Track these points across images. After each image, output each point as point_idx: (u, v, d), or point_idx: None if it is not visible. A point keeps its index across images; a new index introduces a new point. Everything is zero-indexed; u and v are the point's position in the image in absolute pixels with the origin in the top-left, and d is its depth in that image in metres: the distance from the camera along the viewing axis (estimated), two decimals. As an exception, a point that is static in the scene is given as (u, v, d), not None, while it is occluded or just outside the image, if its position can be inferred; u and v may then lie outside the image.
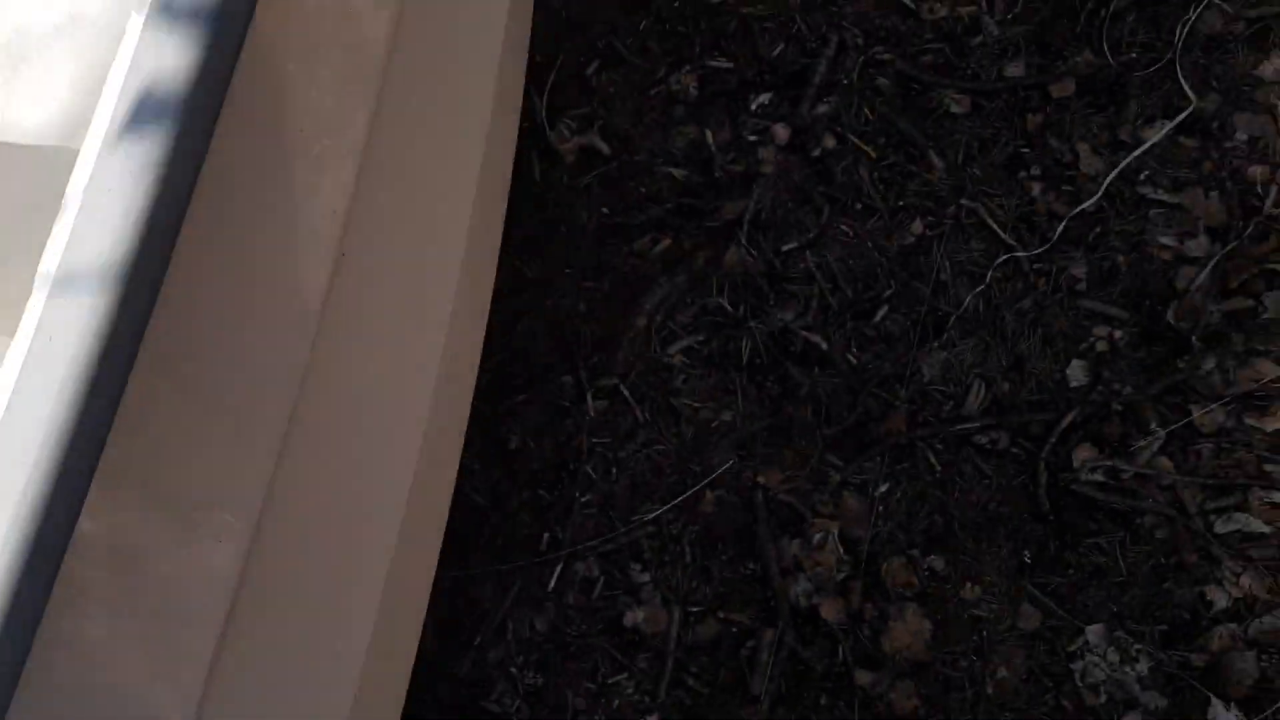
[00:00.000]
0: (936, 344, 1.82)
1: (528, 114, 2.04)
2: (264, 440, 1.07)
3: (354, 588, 1.24)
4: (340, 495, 1.23)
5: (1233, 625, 1.65)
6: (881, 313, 1.84)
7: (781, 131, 1.95)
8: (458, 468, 1.60)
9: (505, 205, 1.72)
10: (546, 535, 1.79)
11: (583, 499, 1.80)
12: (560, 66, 2.07)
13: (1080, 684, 1.65)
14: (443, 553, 1.79)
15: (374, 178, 1.20)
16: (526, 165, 2.02)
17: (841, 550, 1.73)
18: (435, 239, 1.40)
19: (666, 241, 1.93)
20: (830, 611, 1.70)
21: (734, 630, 1.72)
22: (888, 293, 1.85)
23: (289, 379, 1.09)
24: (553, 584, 1.76)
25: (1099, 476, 1.73)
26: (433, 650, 1.75)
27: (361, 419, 1.26)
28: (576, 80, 2.06)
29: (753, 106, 1.99)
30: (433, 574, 1.53)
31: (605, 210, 1.97)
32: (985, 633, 1.68)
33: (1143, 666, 1.65)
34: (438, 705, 1.73)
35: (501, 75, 1.55)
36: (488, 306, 1.68)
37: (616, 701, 1.71)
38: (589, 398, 1.85)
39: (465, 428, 1.60)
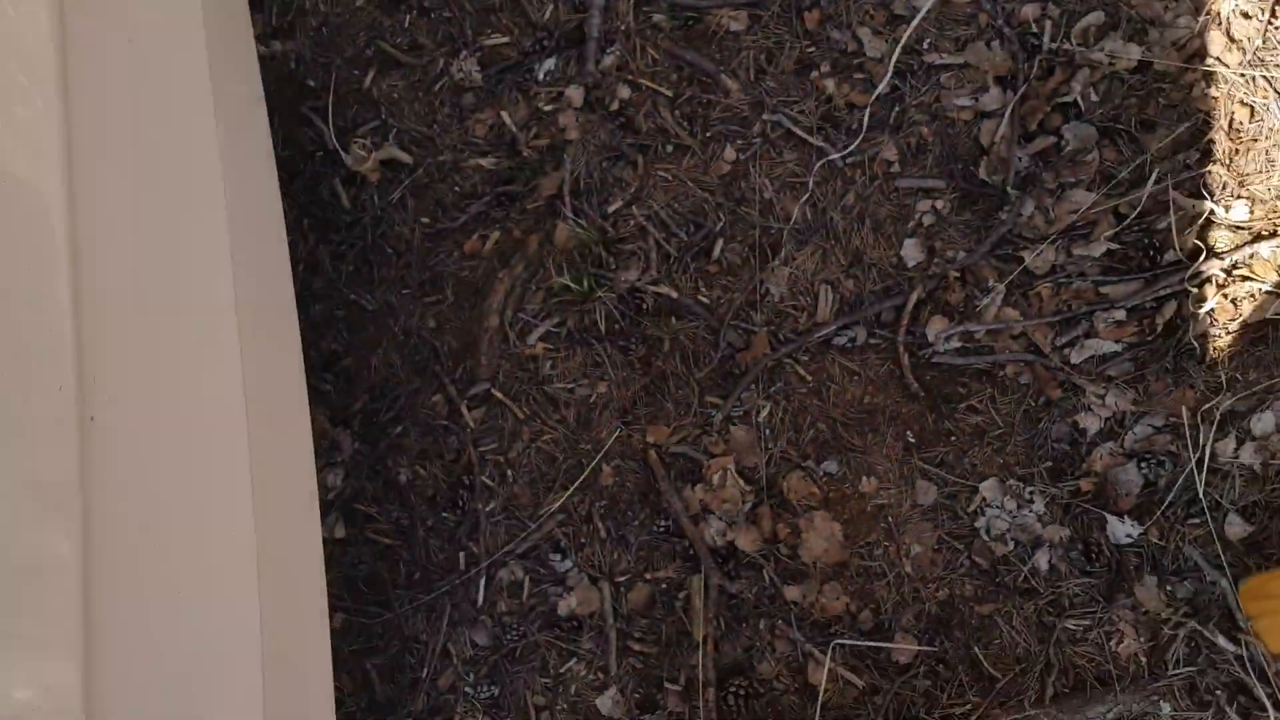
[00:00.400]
0: (777, 261, 1.85)
1: (317, 143, 1.98)
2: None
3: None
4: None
5: (1110, 443, 1.76)
6: (719, 247, 1.86)
7: (575, 94, 1.93)
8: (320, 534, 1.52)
9: (289, 267, 1.57)
10: (462, 554, 1.80)
11: (487, 509, 1.81)
12: (336, 85, 2.00)
13: (987, 539, 1.75)
14: (365, 600, 1.79)
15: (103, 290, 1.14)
16: (332, 196, 1.97)
17: (742, 483, 1.78)
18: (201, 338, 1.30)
19: (495, 235, 1.91)
20: (746, 542, 1.76)
21: (664, 587, 1.77)
22: (719, 226, 1.87)
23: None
24: (481, 598, 1.78)
25: (955, 344, 1.81)
26: (384, 696, 1.77)
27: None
28: (356, 95, 2.00)
29: (540, 75, 1.96)
30: (328, 649, 1.47)
31: (425, 220, 1.94)
32: (890, 518, 1.76)
33: (1039, 506, 1.75)
34: (406, 744, 1.75)
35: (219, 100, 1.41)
36: (301, 375, 1.55)
37: (574, 687, 1.75)
38: (464, 410, 1.84)
39: (316, 501, 1.50)
